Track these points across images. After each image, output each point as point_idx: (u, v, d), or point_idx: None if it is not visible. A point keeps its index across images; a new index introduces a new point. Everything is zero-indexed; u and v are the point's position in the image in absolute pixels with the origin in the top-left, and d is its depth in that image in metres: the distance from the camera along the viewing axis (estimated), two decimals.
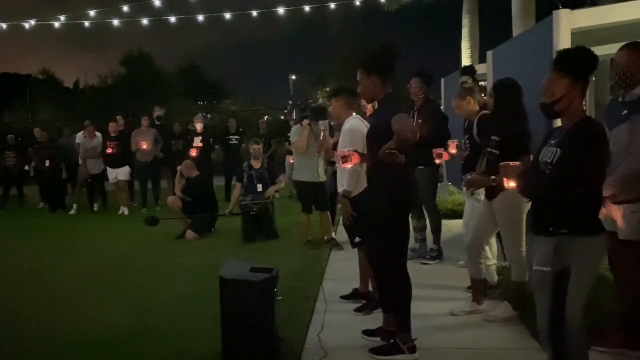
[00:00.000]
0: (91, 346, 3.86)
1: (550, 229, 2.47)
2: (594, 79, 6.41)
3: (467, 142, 4.67)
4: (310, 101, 6.96)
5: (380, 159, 3.20)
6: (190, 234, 7.51)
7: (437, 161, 5.07)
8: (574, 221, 2.43)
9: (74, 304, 4.86)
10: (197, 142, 10.40)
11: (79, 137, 11.17)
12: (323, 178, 6.58)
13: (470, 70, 5.02)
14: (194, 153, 10.00)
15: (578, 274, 2.42)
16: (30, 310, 4.75)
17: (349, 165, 3.88)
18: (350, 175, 4.13)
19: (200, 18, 14.63)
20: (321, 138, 5.19)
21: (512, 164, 2.77)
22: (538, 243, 2.55)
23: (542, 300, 2.51)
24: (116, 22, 14.49)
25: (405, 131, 3.10)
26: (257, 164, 7.65)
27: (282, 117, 21.29)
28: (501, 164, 2.83)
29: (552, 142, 2.54)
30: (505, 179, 2.78)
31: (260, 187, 7.50)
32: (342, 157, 3.85)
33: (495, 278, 4.61)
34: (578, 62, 2.46)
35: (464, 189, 4.62)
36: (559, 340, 2.44)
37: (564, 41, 4.22)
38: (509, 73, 4.63)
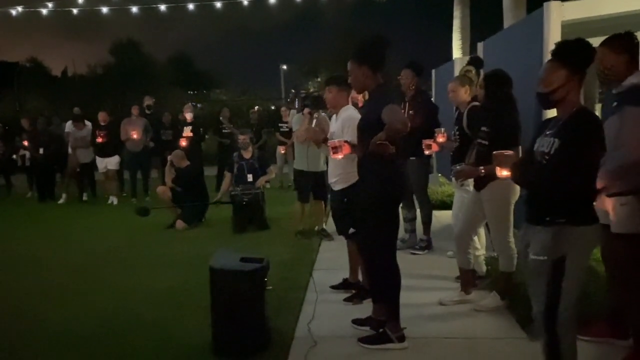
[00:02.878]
0: (80, 336, 3.85)
1: (547, 219, 2.50)
2: None
3: (457, 132, 4.69)
4: (312, 90, 6.89)
5: (370, 150, 3.21)
6: (180, 223, 7.49)
7: (426, 152, 5.08)
8: (570, 210, 2.47)
9: (62, 294, 4.84)
10: (187, 131, 10.34)
11: (68, 125, 11.06)
12: (323, 167, 6.57)
13: (478, 62, 5.03)
14: (183, 143, 9.95)
15: (573, 262, 2.47)
16: (18, 300, 4.72)
17: (339, 156, 3.87)
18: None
19: (190, 6, 14.51)
20: (306, 125, 5.18)
21: (505, 152, 2.79)
22: (534, 232, 2.58)
23: (538, 288, 2.56)
24: (105, 10, 14.32)
25: (395, 122, 3.11)
26: (247, 154, 7.63)
27: (272, 107, 21.24)
28: (494, 152, 2.83)
29: (548, 132, 2.57)
30: (498, 168, 2.78)
31: (250, 177, 7.49)
32: (333, 148, 3.84)
33: (484, 268, 4.65)
34: (576, 53, 2.49)
35: (453, 179, 4.64)
36: (554, 327, 2.50)
37: (554, 33, 4.24)
38: (500, 64, 4.64)
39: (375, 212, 3.42)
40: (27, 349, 3.70)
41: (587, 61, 2.52)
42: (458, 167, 4.01)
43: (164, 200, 7.67)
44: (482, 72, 4.92)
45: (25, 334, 3.93)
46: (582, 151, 2.40)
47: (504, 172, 2.75)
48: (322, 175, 6.54)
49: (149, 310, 4.32)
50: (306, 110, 6.32)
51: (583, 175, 2.44)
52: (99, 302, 4.58)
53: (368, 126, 3.37)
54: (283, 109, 12.34)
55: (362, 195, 3.54)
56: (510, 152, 2.78)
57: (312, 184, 6.57)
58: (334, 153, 3.85)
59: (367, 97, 3.88)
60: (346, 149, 3.81)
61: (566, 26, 4.31)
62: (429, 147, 4.96)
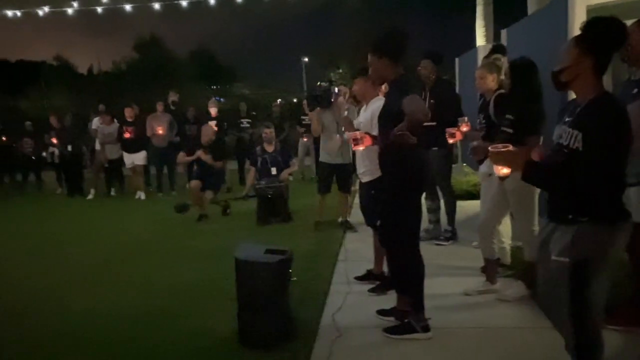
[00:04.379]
0: (109, 325, 3.95)
1: (570, 217, 2.31)
2: None
3: (483, 120, 4.64)
4: (321, 85, 6.97)
5: (391, 140, 3.21)
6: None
7: (450, 141, 5.04)
8: (594, 208, 2.24)
9: (91, 286, 4.96)
10: (212, 125, 10.45)
11: (95, 122, 11.29)
12: (344, 159, 6.59)
13: (501, 49, 4.99)
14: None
15: (598, 264, 2.27)
16: (49, 291, 4.85)
17: (360, 148, 3.89)
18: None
19: (212, 1, 14.59)
20: (315, 121, 5.32)
21: (501, 147, 2.41)
22: (555, 231, 2.39)
23: (562, 291, 2.35)
24: (128, 7, 14.51)
25: (416, 112, 3.11)
26: (269, 148, 7.69)
27: (295, 100, 21.27)
28: (490, 147, 2.48)
29: (566, 119, 2.36)
30: (495, 166, 2.46)
31: (274, 170, 7.55)
32: (354, 140, 3.86)
33: (509, 258, 4.61)
34: (594, 33, 2.27)
35: (480, 168, 4.60)
36: (584, 330, 2.33)
37: (579, 18, 4.15)
38: (524, 52, 4.57)
39: (397, 202, 3.43)
40: (56, 339, 3.79)
41: (608, 43, 2.27)
42: (475, 143, 3.96)
43: (195, 194, 7.79)
44: (505, 59, 4.86)
45: (54, 325, 4.04)
46: (608, 146, 2.16)
47: (503, 170, 2.46)
48: (342, 167, 6.57)
49: (175, 301, 4.40)
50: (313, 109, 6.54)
51: (610, 171, 2.20)
52: (126, 293, 4.68)
53: (389, 117, 3.38)
54: (305, 101, 12.37)
55: (383, 186, 3.56)
56: (508, 147, 2.41)
57: (331, 176, 6.62)
58: (355, 145, 3.87)
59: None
60: (367, 141, 3.83)
61: (592, 11, 4.20)
62: (453, 135, 4.92)
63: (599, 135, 2.18)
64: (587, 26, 2.30)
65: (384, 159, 3.54)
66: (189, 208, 7.56)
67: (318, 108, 6.48)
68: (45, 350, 3.65)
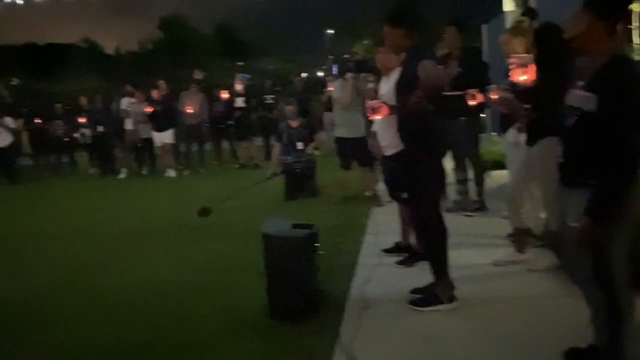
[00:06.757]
0: (142, 300, 4.04)
1: (579, 180, 2.33)
2: None
3: (507, 87, 4.52)
4: (350, 55, 6.95)
5: (409, 108, 3.20)
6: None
7: (470, 102, 4.90)
8: (604, 171, 2.25)
9: (126, 262, 5.09)
10: (239, 102, 10.50)
11: (123, 102, 11.45)
12: (358, 133, 6.58)
13: (531, 13, 4.82)
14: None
15: (617, 224, 2.28)
16: (84, 268, 4.98)
17: (377, 117, 3.87)
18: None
19: None
20: (350, 89, 5.18)
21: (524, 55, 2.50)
22: (569, 197, 2.42)
23: (582, 257, 2.40)
24: None
25: (430, 78, 3.08)
26: (294, 123, 7.69)
27: (323, 74, 21.12)
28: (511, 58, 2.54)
29: (580, 83, 2.37)
30: (516, 71, 2.51)
31: (300, 145, 7.56)
32: (372, 109, 3.84)
33: (541, 229, 4.53)
34: None
35: (505, 136, 4.51)
36: (610, 285, 2.35)
37: None
38: (554, 17, 4.41)
39: (419, 169, 3.44)
40: (91, 313, 3.90)
41: (613, 5, 2.28)
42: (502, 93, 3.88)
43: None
44: (535, 23, 4.71)
45: (90, 299, 4.15)
46: (622, 108, 2.18)
47: (522, 76, 2.50)
48: (363, 141, 6.54)
49: (207, 276, 4.47)
50: (348, 75, 6.34)
51: (624, 133, 2.20)
52: (157, 269, 4.77)
53: (405, 85, 3.37)
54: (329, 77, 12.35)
55: (405, 156, 3.56)
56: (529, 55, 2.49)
57: (353, 151, 6.62)
58: (372, 114, 3.85)
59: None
60: (384, 110, 3.79)
61: None
62: (473, 97, 4.80)
63: (613, 97, 2.20)
64: None
65: (403, 127, 3.53)
66: (211, 211, 7.62)
67: (350, 74, 6.39)
68: (82, 321, 3.77)
